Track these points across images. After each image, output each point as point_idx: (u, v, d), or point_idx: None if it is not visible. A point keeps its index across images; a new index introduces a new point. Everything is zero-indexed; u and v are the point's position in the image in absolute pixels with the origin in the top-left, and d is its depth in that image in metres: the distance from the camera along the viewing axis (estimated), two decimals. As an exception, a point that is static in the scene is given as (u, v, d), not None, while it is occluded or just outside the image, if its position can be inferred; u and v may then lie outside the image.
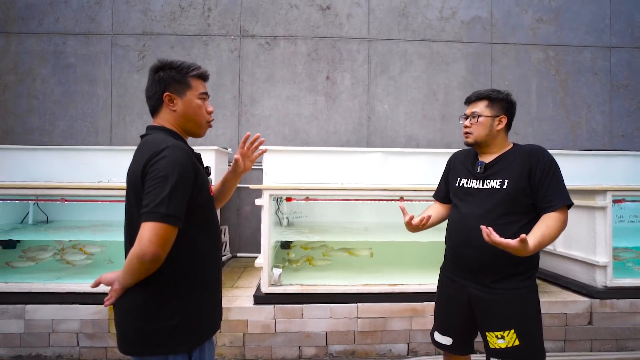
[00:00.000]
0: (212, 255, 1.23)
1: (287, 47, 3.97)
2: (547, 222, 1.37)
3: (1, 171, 3.10)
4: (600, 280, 2.62)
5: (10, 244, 3.12)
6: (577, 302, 2.60)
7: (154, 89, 1.20)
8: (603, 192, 2.61)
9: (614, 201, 2.66)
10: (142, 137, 1.23)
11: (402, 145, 3.97)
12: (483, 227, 1.28)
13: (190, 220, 1.11)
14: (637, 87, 4.11)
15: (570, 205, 1.42)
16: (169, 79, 1.19)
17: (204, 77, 1.27)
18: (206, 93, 1.27)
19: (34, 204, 3.46)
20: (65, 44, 3.90)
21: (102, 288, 2.54)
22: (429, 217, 1.59)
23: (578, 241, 2.78)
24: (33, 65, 3.90)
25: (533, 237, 1.30)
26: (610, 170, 3.44)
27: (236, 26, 3.95)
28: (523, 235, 1.23)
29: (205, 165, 1.29)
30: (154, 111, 1.24)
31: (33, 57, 3.90)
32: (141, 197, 1.07)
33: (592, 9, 4.10)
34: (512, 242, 1.24)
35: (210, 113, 1.28)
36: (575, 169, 3.20)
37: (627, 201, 2.79)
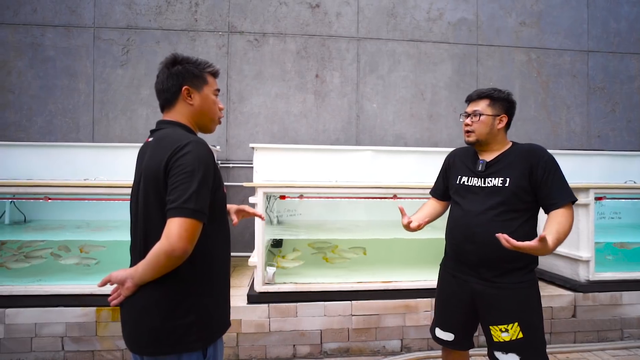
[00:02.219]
0: (224, 252, 1.23)
1: (276, 44, 3.94)
2: (557, 219, 1.41)
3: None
4: (583, 274, 2.73)
5: (-14, 245, 2.96)
6: (562, 296, 2.70)
7: (170, 82, 1.18)
8: (586, 189, 2.71)
9: (596, 198, 2.78)
10: (152, 131, 1.21)
11: (391, 144, 4.01)
12: (499, 235, 1.30)
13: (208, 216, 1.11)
14: (612, 90, 4.31)
15: (574, 201, 1.46)
16: (187, 73, 1.18)
17: (216, 75, 1.28)
18: (219, 90, 1.28)
19: (11, 202, 3.30)
20: (43, 36, 3.73)
21: (88, 290, 2.46)
22: (427, 222, 1.66)
23: (562, 237, 2.88)
24: (8, 58, 3.72)
25: (550, 235, 1.32)
26: (589, 169, 3.60)
27: (224, 22, 3.89)
28: (543, 234, 1.26)
29: None
30: (167, 104, 1.21)
31: (8, 49, 3.72)
32: (162, 192, 1.06)
33: (571, 14, 4.26)
34: (532, 243, 1.26)
35: (221, 110, 1.29)
36: (557, 168, 3.33)
37: (608, 198, 2.92)
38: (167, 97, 1.20)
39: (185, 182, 1.02)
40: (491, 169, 1.56)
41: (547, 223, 1.42)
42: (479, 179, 1.57)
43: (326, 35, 3.99)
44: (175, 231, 0.99)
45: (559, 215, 1.42)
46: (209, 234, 1.13)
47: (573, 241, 2.79)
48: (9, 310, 2.41)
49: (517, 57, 4.17)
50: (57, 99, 3.75)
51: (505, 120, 1.59)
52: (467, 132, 1.62)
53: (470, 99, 1.66)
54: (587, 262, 2.70)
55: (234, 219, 1.44)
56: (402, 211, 1.61)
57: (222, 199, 1.20)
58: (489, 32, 4.15)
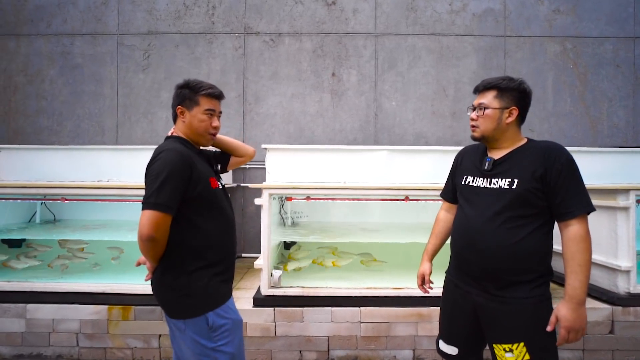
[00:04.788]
0: (219, 237, 1.43)
1: (292, 43, 3.89)
2: (569, 250, 1.26)
3: (10, 171, 3.13)
4: (623, 286, 2.44)
5: (16, 243, 3.14)
6: (597, 309, 2.43)
7: (173, 102, 1.49)
8: (626, 191, 2.43)
9: (638, 201, 2.48)
10: None
11: (411, 143, 3.84)
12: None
13: (191, 208, 1.36)
14: (663, 80, 3.87)
15: (590, 212, 1.28)
16: (183, 96, 1.46)
17: (213, 95, 1.48)
18: (213, 110, 1.48)
19: (42, 203, 3.49)
20: (72, 45, 3.93)
21: (101, 288, 2.54)
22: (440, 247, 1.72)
23: (598, 244, 2.58)
24: (42, 67, 3.95)
25: (571, 287, 1.25)
26: (634, 168, 3.23)
27: (240, 23, 3.90)
28: (553, 319, 1.26)
29: (216, 163, 1.65)
30: (173, 120, 1.52)
31: (42, 58, 3.95)
32: None
33: (614, -2, 3.87)
34: (561, 331, 1.25)
35: (214, 128, 1.49)
36: (595, 167, 3.01)
37: (653, 201, 2.59)
38: (172, 114, 1.51)
39: (151, 183, 1.30)
40: (498, 168, 1.39)
41: (564, 262, 1.27)
42: (485, 179, 1.41)
43: (343, 32, 3.90)
44: (142, 220, 1.27)
45: (570, 242, 1.26)
46: (197, 222, 1.38)
47: (611, 248, 2.50)
48: (29, 306, 2.52)
49: (550, 47, 3.85)
50: (85, 103, 3.93)
51: (515, 113, 1.40)
52: (472, 127, 1.47)
53: (477, 90, 1.49)
54: (627, 272, 2.41)
55: None
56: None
57: (208, 192, 1.40)
58: (518, 22, 3.86)
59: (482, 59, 3.86)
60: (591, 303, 2.49)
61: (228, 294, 1.46)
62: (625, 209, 2.41)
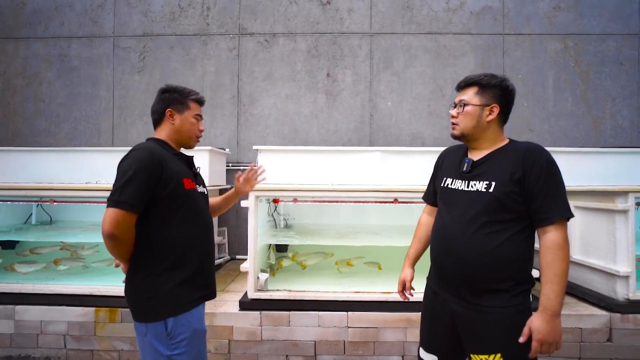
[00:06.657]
0: (191, 240, 1.40)
1: (287, 44, 3.86)
2: (545, 259, 1.19)
3: (5, 173, 3.16)
4: (622, 292, 2.34)
5: (10, 245, 3.16)
6: (595, 316, 2.34)
7: (158, 105, 1.47)
8: (624, 193, 2.33)
9: (638, 204, 2.38)
10: None
11: (407, 144, 3.77)
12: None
13: (162, 207, 1.33)
14: (670, 78, 3.74)
15: (569, 218, 1.21)
16: (172, 99, 1.46)
17: (200, 101, 1.53)
18: (200, 115, 1.53)
19: (37, 205, 3.51)
20: (69, 47, 3.96)
21: (88, 290, 2.53)
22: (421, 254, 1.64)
23: (596, 248, 2.50)
24: (40, 69, 3.99)
25: (546, 298, 1.17)
26: (638, 169, 3.12)
27: (235, 24, 3.89)
28: (526, 331, 1.19)
29: (196, 166, 1.58)
30: (156, 124, 1.49)
31: (40, 61, 3.99)
32: None
33: (618, -6, 3.76)
34: (533, 343, 1.18)
35: (201, 131, 1.55)
36: (597, 168, 2.91)
37: (653, 204, 2.49)
38: (155, 117, 1.49)
39: (117, 181, 1.28)
40: (476, 170, 1.33)
41: (540, 271, 1.21)
42: (463, 182, 1.34)
43: (337, 32, 3.85)
44: (104, 218, 1.26)
45: (546, 250, 1.19)
46: (166, 222, 1.34)
47: (609, 252, 2.41)
48: (18, 307, 2.53)
49: (550, 45, 3.75)
50: (81, 106, 3.95)
51: (496, 111, 1.33)
52: (452, 124, 1.41)
53: (458, 87, 1.44)
54: (626, 277, 2.32)
55: (247, 190, 1.80)
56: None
57: (179, 193, 1.37)
58: (517, 20, 3.77)
59: (479, 57, 3.78)
60: (589, 309, 2.40)
61: (197, 302, 1.40)
62: (624, 212, 2.31)
